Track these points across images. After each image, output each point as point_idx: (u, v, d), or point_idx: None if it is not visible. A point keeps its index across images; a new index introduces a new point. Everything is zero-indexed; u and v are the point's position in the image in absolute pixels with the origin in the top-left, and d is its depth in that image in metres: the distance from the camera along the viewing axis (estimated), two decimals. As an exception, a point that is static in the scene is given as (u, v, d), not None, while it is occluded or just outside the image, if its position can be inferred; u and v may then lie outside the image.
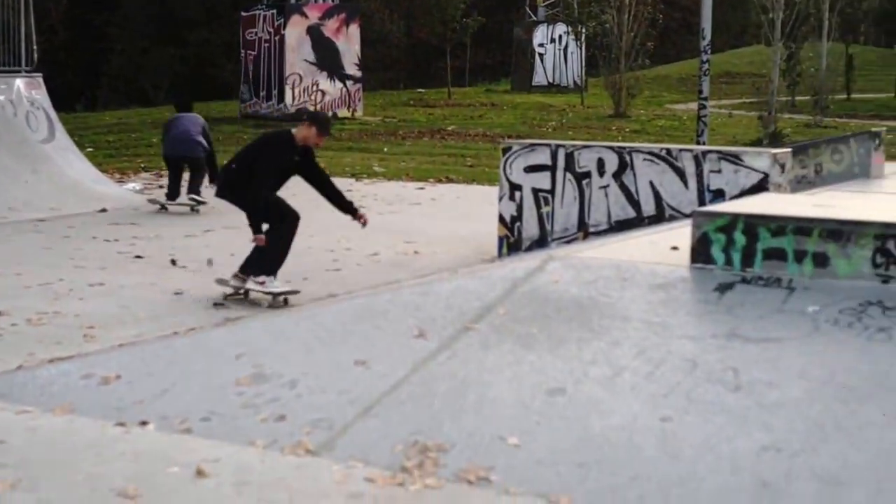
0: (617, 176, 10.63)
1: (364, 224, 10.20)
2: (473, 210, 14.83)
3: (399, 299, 6.89)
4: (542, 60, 43.89)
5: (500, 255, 11.23)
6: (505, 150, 11.46)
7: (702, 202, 9.91)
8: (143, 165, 22.23)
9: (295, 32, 30.83)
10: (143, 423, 5.34)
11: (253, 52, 31.48)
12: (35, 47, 18.82)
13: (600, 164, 10.75)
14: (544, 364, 5.53)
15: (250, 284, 9.61)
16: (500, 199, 11.42)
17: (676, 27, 53.95)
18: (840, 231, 6.03)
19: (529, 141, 12.29)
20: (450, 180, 20.68)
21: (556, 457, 4.71)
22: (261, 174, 9.55)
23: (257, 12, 31.43)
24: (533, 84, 43.34)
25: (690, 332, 5.71)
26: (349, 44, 32.11)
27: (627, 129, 30.55)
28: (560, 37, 43.43)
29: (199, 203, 15.71)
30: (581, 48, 41.75)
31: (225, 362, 6.01)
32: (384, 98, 39.61)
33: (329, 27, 31.52)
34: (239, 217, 12.69)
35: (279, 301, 9.52)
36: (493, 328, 6.00)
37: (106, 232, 13.61)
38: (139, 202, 16.53)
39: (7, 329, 8.29)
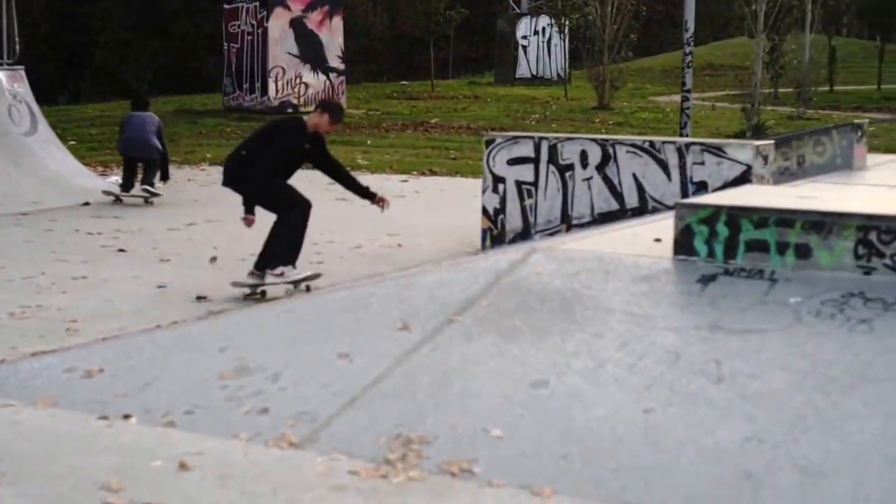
0: (600, 168, 10.64)
1: (383, 208, 10.08)
2: (457, 202, 14.84)
3: (382, 292, 6.89)
4: (525, 53, 43.87)
5: (483, 247, 11.23)
6: (488, 143, 11.46)
7: (685, 194, 9.94)
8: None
9: (278, 25, 30.76)
10: (126, 417, 5.33)
11: (236, 45, 31.39)
12: (17, 40, 18.76)
13: (583, 157, 10.76)
14: (527, 356, 5.54)
15: (270, 279, 9.40)
16: (484, 191, 11.42)
17: (660, 19, 53.99)
18: (822, 223, 6.05)
19: (513, 133, 12.30)
20: (433, 173, 20.67)
21: (540, 449, 4.72)
22: (268, 156, 9.37)
23: (240, 5, 31.34)
24: (516, 76, 43.32)
25: (673, 323, 5.73)
26: (332, 36, 32.04)
27: (611, 122, 30.57)
28: (543, 29, 43.40)
29: (153, 194, 15.94)
30: (564, 40, 41.75)
31: (208, 356, 6.00)
32: (367, 91, 39.56)
33: (312, 20, 31.45)
34: (221, 210, 12.61)
35: (301, 289, 9.33)
36: (476, 320, 6.00)
37: (89, 225, 13.57)
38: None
39: (-11, 323, 8.27)
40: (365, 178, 12.69)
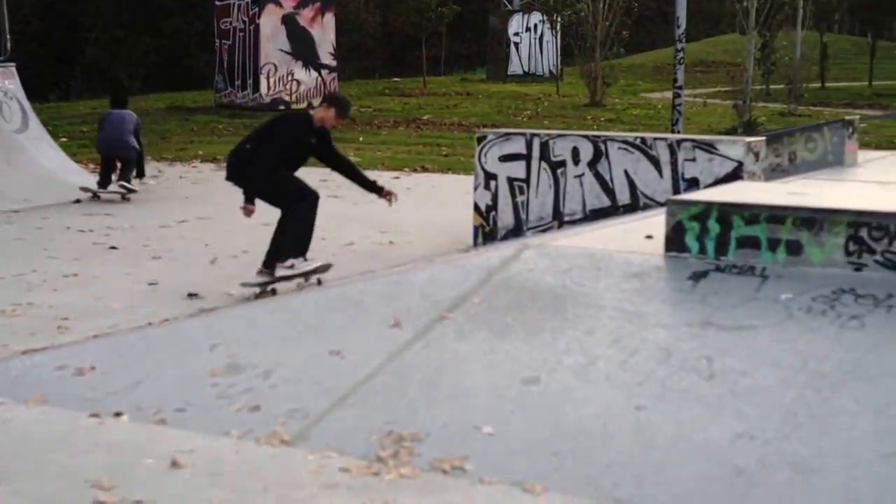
0: (592, 165, 10.64)
1: (391, 202, 10.01)
2: (449, 199, 14.84)
3: (374, 289, 6.89)
4: (517, 49, 43.85)
5: (475, 244, 11.23)
6: (480, 140, 11.46)
7: (676, 191, 9.94)
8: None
9: (270, 22, 30.70)
10: (118, 415, 5.33)
11: (227, 42, 31.33)
12: (8, 37, 18.71)
13: (575, 153, 10.76)
14: (519, 353, 5.54)
15: (280, 272, 9.25)
16: (476, 188, 11.42)
17: (651, 16, 54.02)
18: (813, 219, 6.06)
19: (504, 130, 12.29)
20: (425, 170, 20.66)
21: (531, 446, 4.73)
22: (272, 150, 9.21)
23: (232, 2, 31.27)
24: (508, 73, 43.29)
25: (664, 320, 5.73)
26: (324, 33, 31.99)
27: (603, 118, 30.57)
28: (535, 26, 43.37)
29: (129, 191, 15.95)
30: (556, 37, 41.72)
31: (199, 353, 6.00)
32: (359, 87, 39.52)
33: (304, 16, 31.41)
34: (213, 207, 12.59)
35: (312, 282, 9.23)
36: (468, 317, 6.01)
37: (80, 223, 13.55)
38: (113, 193, 16.44)
39: (-20, 321, 8.25)
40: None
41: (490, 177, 11.24)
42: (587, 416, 4.91)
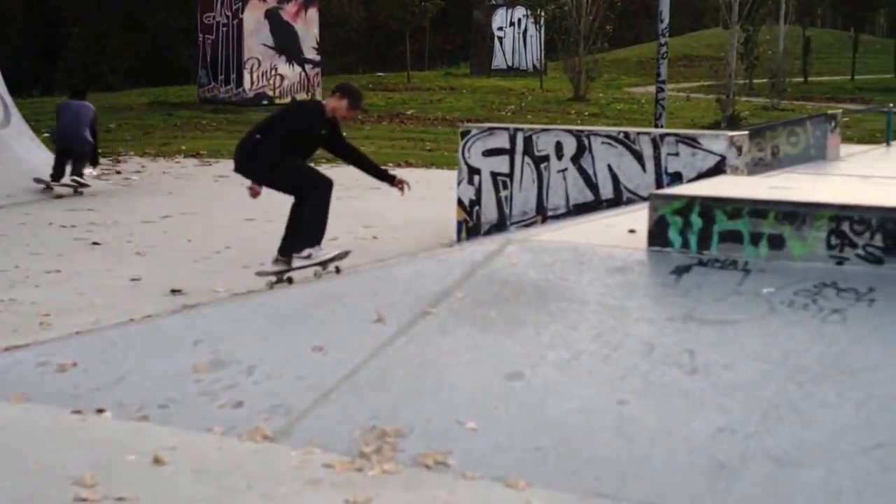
0: (575, 159, 10.65)
1: (403, 191, 9.79)
2: (432, 194, 14.82)
3: (357, 284, 6.89)
4: (501, 44, 43.82)
5: (458, 239, 11.22)
6: (464, 134, 11.45)
7: (659, 185, 9.95)
8: (99, 151, 21.96)
9: (253, 16, 30.62)
10: (100, 411, 5.32)
11: (211, 37, 31.25)
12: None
13: (559, 148, 10.76)
14: (502, 348, 5.55)
15: (297, 262, 9.08)
16: (459, 183, 11.41)
17: (635, 10, 54.02)
18: (796, 213, 6.08)
19: (488, 125, 12.28)
20: (409, 164, 20.65)
21: (514, 441, 4.73)
22: (282, 139, 8.99)
23: (215, -4, 31.21)
24: (492, 68, 43.27)
25: (647, 314, 5.74)
26: (308, 28, 31.94)
27: (586, 113, 30.60)
28: (519, 20, 43.34)
29: (81, 185, 15.87)
30: (540, 32, 41.71)
31: (182, 349, 5.98)
32: (343, 82, 39.44)
33: (288, 11, 31.34)
34: (196, 202, 12.55)
35: (330, 270, 9.03)
36: (451, 312, 6.01)
37: (62, 218, 13.49)
38: (96, 188, 16.39)
39: (-38, 317, 8.21)
40: (341, 170, 12.67)
41: (474, 171, 11.23)
42: (570, 411, 4.92)
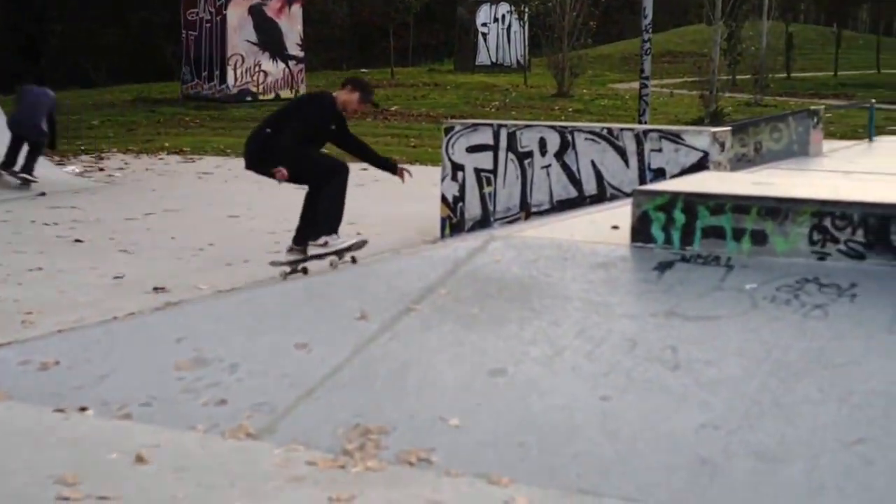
0: (559, 155, 10.65)
1: (404, 179, 9.73)
2: (416, 191, 14.78)
3: (340, 281, 6.89)
4: (485, 40, 43.82)
5: (442, 235, 11.22)
6: (447, 130, 11.44)
7: (643, 181, 9.96)
8: (82, 148, 21.96)
9: (237, 13, 30.56)
10: (83, 410, 5.30)
11: (194, 33, 31.17)
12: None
13: (542, 144, 10.76)
14: (486, 344, 5.55)
15: (313, 250, 8.94)
16: (443, 179, 11.41)
17: (619, 6, 54.03)
18: (778, 209, 6.09)
19: (472, 121, 12.28)
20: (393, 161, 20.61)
21: (497, 437, 4.73)
22: (294, 125, 8.85)
23: (198, -8, 31.13)
24: (476, 64, 43.25)
25: (630, 310, 5.75)
26: (291, 24, 31.89)
27: (570, 109, 30.61)
28: (503, 16, 43.35)
29: (30, 181, 15.72)
30: (524, 28, 41.72)
31: (165, 347, 5.97)
32: (327, 78, 39.35)
33: (271, 7, 31.29)
34: (179, 199, 12.51)
35: (346, 260, 8.90)
36: (434, 309, 6.01)
37: (45, 216, 13.44)
38: (79, 185, 16.34)
39: (-56, 315, 8.17)
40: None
41: (457, 168, 11.23)
42: (553, 408, 4.92)
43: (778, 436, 4.54)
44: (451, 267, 6.52)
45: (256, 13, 30.97)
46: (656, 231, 6.37)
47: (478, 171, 11.11)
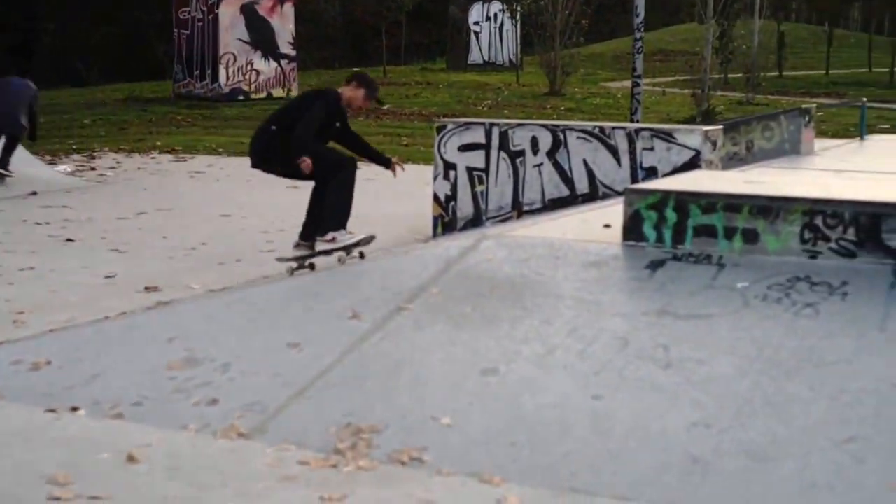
0: (551, 154, 10.65)
1: (396, 172, 9.56)
2: (408, 189, 14.79)
3: (332, 280, 6.89)
4: (477, 39, 43.80)
5: (434, 234, 11.21)
6: (439, 129, 11.44)
7: (634, 180, 9.96)
8: (74, 147, 21.93)
9: (229, 11, 30.53)
10: (74, 409, 5.29)
11: (186, 32, 31.13)
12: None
13: (534, 143, 10.76)
14: (477, 343, 5.55)
15: (321, 246, 8.78)
16: (435, 178, 11.40)
17: (611, 5, 54.03)
18: (769, 207, 6.10)
19: (464, 119, 12.28)
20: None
21: (489, 436, 4.73)
22: (308, 118, 8.70)
23: (190, -9, 31.09)
24: (468, 62, 43.22)
25: (622, 309, 5.75)
26: (284, 23, 31.87)
27: (562, 108, 30.61)
28: (495, 15, 43.33)
29: (5, 175, 15.70)
30: (516, 26, 41.71)
31: (156, 346, 5.96)
32: (319, 77, 39.34)
33: (263, 6, 31.27)
34: (171, 198, 12.47)
35: (354, 255, 8.75)
36: (426, 308, 6.01)
37: (36, 215, 13.42)
38: (71, 184, 16.31)
39: (-65, 315, 8.16)
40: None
41: (449, 166, 11.23)
42: (545, 406, 4.92)
43: (769, 434, 4.55)
44: (443, 266, 6.52)
45: (248, 12, 30.95)
46: (648, 230, 6.38)
47: (470, 170, 11.11)
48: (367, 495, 4.29)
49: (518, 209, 10.81)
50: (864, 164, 11.58)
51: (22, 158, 16.32)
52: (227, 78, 30.49)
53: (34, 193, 15.38)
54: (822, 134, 16.24)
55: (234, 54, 30.58)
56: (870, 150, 14.32)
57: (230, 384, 5.44)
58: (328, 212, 8.85)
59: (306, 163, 8.62)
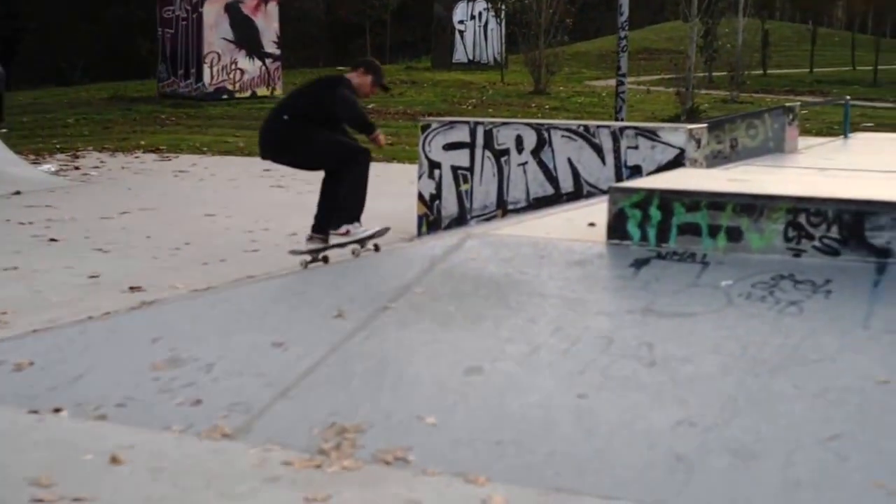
0: (535, 153, 10.66)
1: (381, 144, 9.03)
2: (393, 188, 14.80)
3: (317, 279, 6.88)
4: (462, 37, 43.81)
5: (419, 233, 11.21)
6: (424, 128, 11.43)
7: (619, 178, 9.98)
8: (58, 146, 21.85)
9: (213, 10, 30.46)
10: (57, 411, 5.27)
11: (170, 31, 31.05)
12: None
13: (519, 142, 10.77)
14: (462, 342, 5.54)
15: (335, 239, 8.62)
16: (420, 177, 11.40)
17: (595, 3, 54.12)
18: (753, 205, 6.11)
19: (448, 118, 12.28)
20: (370, 159, 20.59)
21: (474, 436, 4.73)
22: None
23: (174, -10, 31.02)
24: (453, 61, 43.24)
25: (606, 308, 5.76)
26: (268, 21, 31.82)
27: (547, 106, 30.64)
28: (480, 13, 43.35)
29: None
30: (501, 25, 41.72)
31: (140, 347, 5.94)
32: (304, 76, 39.12)
33: (248, 5, 31.21)
34: (155, 198, 12.44)
35: (369, 248, 8.60)
36: (411, 307, 6.00)
37: (20, 215, 13.36)
38: (54, 184, 16.25)
39: (-83, 316, 8.11)
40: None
41: (434, 165, 11.23)
42: (529, 405, 4.92)
43: (753, 432, 4.55)
44: (427, 265, 6.51)
45: (232, 11, 30.89)
46: (632, 228, 6.38)
47: (454, 169, 11.11)
48: (352, 496, 4.28)
49: (503, 208, 10.81)
50: (848, 162, 11.60)
51: (5, 158, 16.26)
52: (212, 77, 30.43)
53: (18, 193, 15.33)
54: (806, 132, 16.26)
55: (218, 53, 30.52)
56: (853, 148, 14.35)
57: (214, 384, 5.42)
58: (342, 205, 8.64)
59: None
